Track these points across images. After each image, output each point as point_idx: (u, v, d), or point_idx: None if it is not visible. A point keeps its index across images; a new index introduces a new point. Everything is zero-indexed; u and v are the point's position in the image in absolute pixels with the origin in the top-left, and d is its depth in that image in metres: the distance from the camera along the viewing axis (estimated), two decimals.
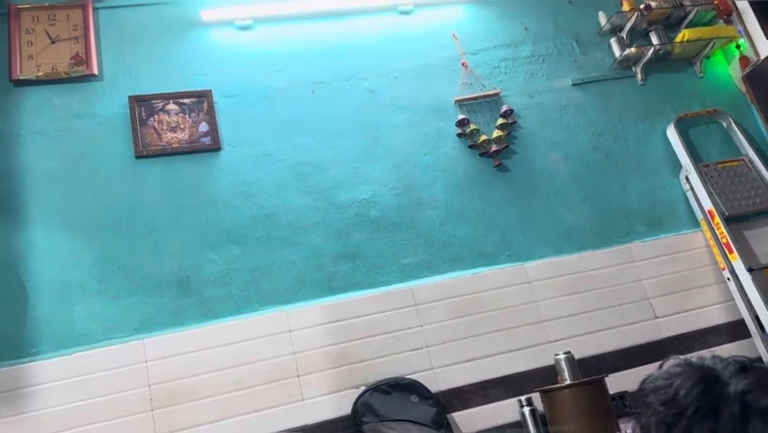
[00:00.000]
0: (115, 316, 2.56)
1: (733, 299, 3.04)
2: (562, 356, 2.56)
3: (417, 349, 2.76)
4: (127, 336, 2.53)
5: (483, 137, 3.17)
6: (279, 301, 2.71)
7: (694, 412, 0.80)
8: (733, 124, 3.41)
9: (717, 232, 3.09)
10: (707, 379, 0.83)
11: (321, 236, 2.86)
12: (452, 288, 2.90)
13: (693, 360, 0.87)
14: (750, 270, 2.95)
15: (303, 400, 2.56)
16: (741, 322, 3.01)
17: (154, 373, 2.49)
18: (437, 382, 2.68)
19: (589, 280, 3.02)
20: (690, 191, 3.23)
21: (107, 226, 2.69)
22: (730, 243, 3.02)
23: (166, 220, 2.74)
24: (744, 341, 2.99)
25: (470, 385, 2.74)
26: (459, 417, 2.68)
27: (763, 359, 2.88)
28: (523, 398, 2.66)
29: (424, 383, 2.63)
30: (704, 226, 3.17)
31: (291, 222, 2.86)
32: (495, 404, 2.72)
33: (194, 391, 2.50)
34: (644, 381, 0.89)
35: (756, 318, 2.94)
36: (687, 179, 3.24)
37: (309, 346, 2.65)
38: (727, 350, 2.97)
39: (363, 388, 2.58)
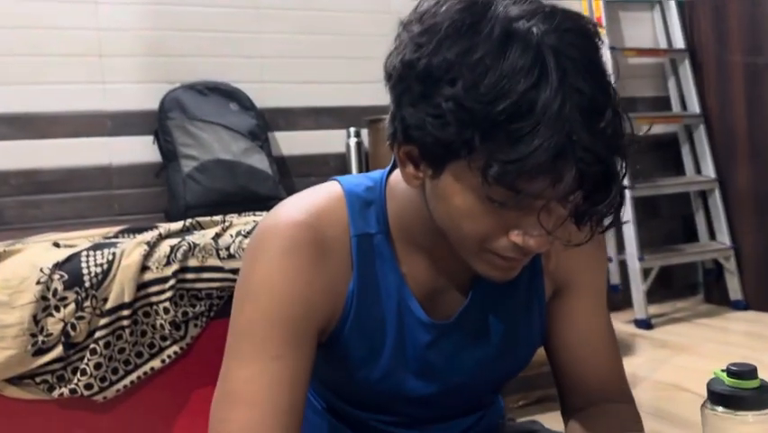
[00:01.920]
0: None
1: None
2: None
3: (249, 57, 2.48)
4: None
5: None
6: None
7: (447, 27, 0.61)
8: None
9: (594, 5, 2.94)
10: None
11: None
12: None
13: None
14: (612, 48, 2.87)
15: (104, 83, 2.26)
16: None
17: None
18: (264, 97, 2.46)
19: None
20: None
21: None
22: (603, 18, 2.89)
23: None
24: None
25: (301, 108, 2.56)
26: (282, 137, 2.52)
27: None
28: (352, 130, 2.53)
29: (249, 95, 2.40)
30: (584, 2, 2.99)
31: None
32: (323, 132, 2.59)
33: None
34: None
35: None
36: None
37: (118, 26, 2.28)
38: None
39: (178, 84, 2.30)
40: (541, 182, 0.60)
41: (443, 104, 0.60)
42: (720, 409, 0.66)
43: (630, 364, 2.38)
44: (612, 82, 0.63)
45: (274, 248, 0.72)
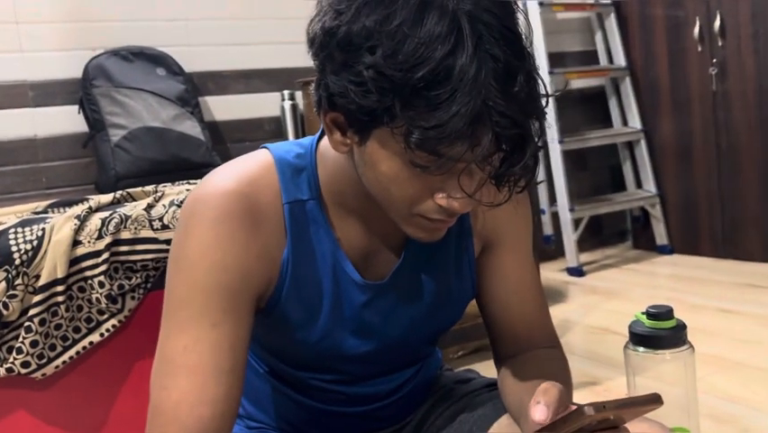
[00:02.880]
0: None
1: None
2: None
3: (174, 20, 2.41)
4: None
5: None
6: None
7: None
8: None
9: None
10: None
11: None
12: None
13: None
14: (541, 3, 2.90)
15: (22, 52, 2.16)
16: None
17: None
18: (192, 61, 2.40)
19: None
20: None
21: None
22: None
23: None
24: None
25: (232, 71, 2.51)
26: (214, 101, 2.47)
27: None
28: (286, 92, 2.50)
29: (176, 59, 2.33)
30: None
31: None
32: (256, 95, 2.55)
33: None
34: None
35: None
36: None
37: None
38: None
39: (101, 51, 2.22)
40: (460, 146, 0.62)
41: (364, 72, 0.62)
42: (641, 349, 0.71)
43: (563, 311, 2.49)
44: (528, 45, 0.66)
45: (207, 218, 0.72)
